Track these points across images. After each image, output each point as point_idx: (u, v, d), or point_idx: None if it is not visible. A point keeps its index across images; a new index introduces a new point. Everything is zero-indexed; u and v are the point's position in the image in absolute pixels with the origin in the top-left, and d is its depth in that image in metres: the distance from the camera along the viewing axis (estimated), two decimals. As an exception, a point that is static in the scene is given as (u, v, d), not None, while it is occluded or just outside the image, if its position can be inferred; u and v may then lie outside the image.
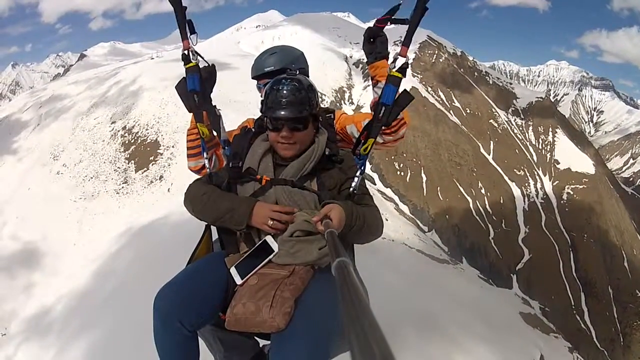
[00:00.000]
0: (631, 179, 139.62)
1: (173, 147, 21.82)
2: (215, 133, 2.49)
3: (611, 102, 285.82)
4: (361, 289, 0.71)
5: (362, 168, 2.24)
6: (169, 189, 19.42)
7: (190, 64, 2.38)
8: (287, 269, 1.87)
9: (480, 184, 38.66)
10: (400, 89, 2.33)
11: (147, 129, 23.33)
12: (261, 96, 2.50)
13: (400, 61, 2.29)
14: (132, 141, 22.97)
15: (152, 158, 21.60)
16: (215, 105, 2.43)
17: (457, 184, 37.14)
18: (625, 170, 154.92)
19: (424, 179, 35.14)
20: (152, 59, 38.08)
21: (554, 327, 22.58)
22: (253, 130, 2.29)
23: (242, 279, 1.89)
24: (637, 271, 41.33)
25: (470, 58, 52.91)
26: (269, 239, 1.94)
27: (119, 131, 23.82)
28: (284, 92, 1.99)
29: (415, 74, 41.60)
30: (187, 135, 2.61)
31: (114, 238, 16.42)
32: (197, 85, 2.37)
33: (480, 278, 26.06)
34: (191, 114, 2.45)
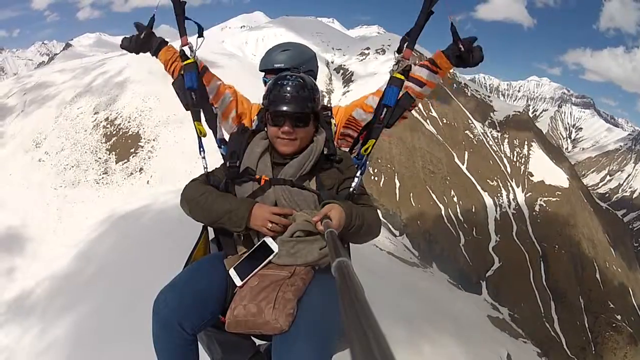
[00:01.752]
0: (607, 195, 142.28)
1: (154, 140, 22.20)
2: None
3: (591, 120, 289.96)
4: (361, 288, 0.76)
5: (363, 168, 2.26)
6: (148, 181, 19.87)
7: (188, 61, 2.37)
8: (287, 269, 1.86)
9: (452, 192, 39.47)
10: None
11: (129, 122, 23.59)
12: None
13: (403, 63, 2.28)
14: (114, 133, 23.21)
15: (132, 150, 21.93)
16: (212, 104, 2.43)
17: (430, 191, 37.84)
18: (601, 187, 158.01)
19: (398, 184, 35.73)
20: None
21: (522, 332, 23.06)
22: (250, 129, 2.28)
23: (241, 280, 1.87)
24: (610, 283, 42.41)
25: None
26: (268, 239, 1.93)
27: (101, 122, 23.97)
28: (288, 88, 1.99)
29: (395, 83, 42.05)
30: (169, 73, 2.60)
31: (93, 225, 16.68)
32: (195, 83, 2.35)
33: (450, 282, 26.58)
34: (155, 57, 2.53)
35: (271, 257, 1.88)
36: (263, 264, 1.88)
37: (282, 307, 1.70)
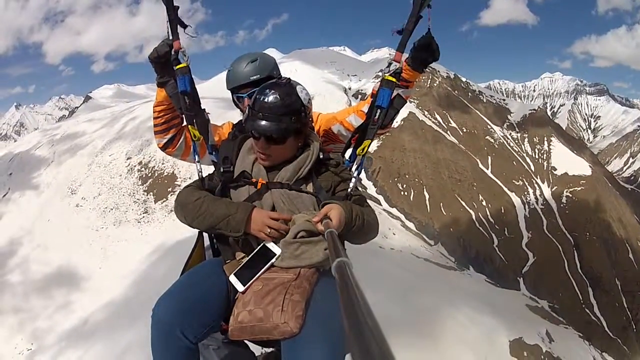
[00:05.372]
0: (632, 177, 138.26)
1: (189, 178, 23.31)
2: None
3: (607, 106, 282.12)
4: (362, 288, 0.73)
5: (360, 169, 2.26)
6: (190, 216, 21.68)
7: (181, 65, 2.26)
8: (292, 272, 1.81)
9: (480, 197, 40.55)
10: (400, 115, 2.37)
11: (163, 163, 25.02)
12: (243, 110, 2.56)
13: (395, 66, 2.27)
14: (150, 175, 24.71)
15: (170, 189, 23.39)
16: (204, 109, 2.35)
17: (459, 199, 39.11)
18: (625, 170, 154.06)
19: (427, 196, 37.21)
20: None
21: (564, 320, 23.53)
22: (239, 135, 2.26)
23: (243, 285, 1.80)
24: (644, 260, 42.18)
25: (464, 79, 54.95)
26: (269, 242, 1.88)
27: (135, 166, 25.47)
28: (265, 106, 1.90)
29: (412, 100, 43.60)
30: (153, 113, 2.46)
31: (141, 258, 17.94)
32: (188, 87, 2.26)
33: (488, 282, 27.50)
34: (158, 88, 2.35)
35: (273, 259, 1.83)
36: (265, 267, 1.83)
37: (291, 310, 1.65)
